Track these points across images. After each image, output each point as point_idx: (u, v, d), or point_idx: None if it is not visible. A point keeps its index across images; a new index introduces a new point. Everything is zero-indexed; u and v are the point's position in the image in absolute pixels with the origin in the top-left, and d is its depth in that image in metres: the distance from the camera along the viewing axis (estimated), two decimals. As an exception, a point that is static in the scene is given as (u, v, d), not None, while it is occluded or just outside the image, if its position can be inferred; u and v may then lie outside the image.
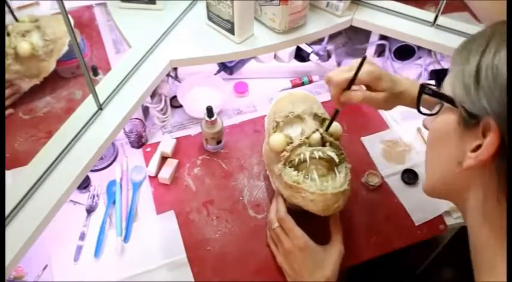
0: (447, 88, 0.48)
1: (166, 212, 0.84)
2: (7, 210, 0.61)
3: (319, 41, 1.09)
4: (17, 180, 0.66)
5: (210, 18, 0.87)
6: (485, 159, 0.41)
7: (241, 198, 0.87)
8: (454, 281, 1.24)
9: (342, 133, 0.77)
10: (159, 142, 0.93)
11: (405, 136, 0.97)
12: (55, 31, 0.92)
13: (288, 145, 0.73)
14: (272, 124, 0.79)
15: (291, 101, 0.81)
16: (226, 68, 1.00)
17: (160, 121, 0.96)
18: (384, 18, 0.93)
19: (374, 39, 1.07)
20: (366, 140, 0.96)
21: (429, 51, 1.11)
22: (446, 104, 0.48)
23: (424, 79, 1.08)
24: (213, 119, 0.86)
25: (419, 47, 1.08)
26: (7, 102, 0.94)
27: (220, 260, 0.78)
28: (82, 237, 0.80)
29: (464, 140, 0.44)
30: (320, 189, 0.69)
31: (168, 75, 1.01)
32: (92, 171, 0.88)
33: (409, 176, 0.90)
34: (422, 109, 0.55)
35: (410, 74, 1.10)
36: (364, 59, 0.64)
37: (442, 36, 0.89)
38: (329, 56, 1.11)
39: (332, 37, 1.13)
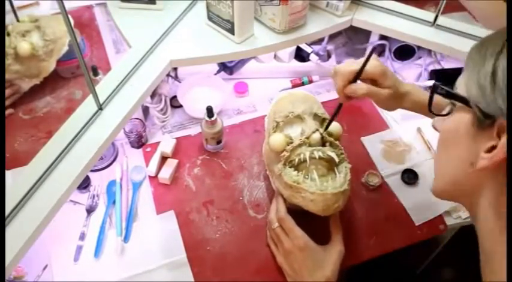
0: (461, 88, 0.48)
1: (166, 212, 0.84)
2: (7, 210, 0.61)
3: (319, 41, 1.09)
4: (17, 180, 0.66)
5: (210, 18, 0.87)
6: (500, 160, 0.41)
7: (241, 198, 0.87)
8: (454, 281, 1.24)
9: (342, 133, 0.77)
10: (159, 142, 0.93)
11: (405, 136, 0.97)
12: (55, 31, 0.92)
13: (288, 145, 0.73)
14: (272, 124, 0.79)
15: (291, 101, 0.81)
16: (226, 68, 1.00)
17: (160, 121, 0.96)
18: (384, 18, 0.93)
19: (374, 39, 1.07)
20: (366, 140, 0.96)
21: (429, 51, 1.11)
22: (459, 104, 0.48)
23: (424, 79, 1.08)
24: (213, 119, 0.86)
25: (419, 47, 1.08)
26: (7, 102, 0.94)
27: (220, 260, 0.78)
28: (82, 237, 0.80)
29: (478, 141, 0.44)
30: (320, 189, 0.69)
31: (168, 75, 1.01)
32: (92, 171, 0.88)
33: (409, 176, 0.90)
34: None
35: (411, 74, 1.10)
36: (373, 50, 0.64)
37: (442, 36, 0.89)
38: (329, 56, 1.11)
39: (332, 37, 1.13)
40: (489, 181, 0.45)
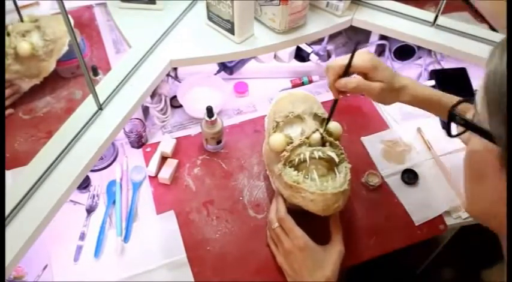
0: (482, 112, 0.41)
1: (166, 212, 0.84)
2: (7, 210, 0.62)
3: (319, 41, 1.09)
4: (17, 180, 0.66)
5: (210, 18, 0.87)
6: None
7: (241, 198, 0.87)
8: (454, 281, 1.24)
9: (342, 133, 0.77)
10: (159, 142, 0.93)
11: (405, 136, 0.97)
12: (55, 31, 0.92)
13: (288, 145, 0.73)
14: (272, 124, 0.79)
15: (291, 101, 0.81)
16: (226, 68, 1.00)
17: (160, 121, 0.96)
18: (384, 18, 0.93)
19: (374, 39, 1.07)
20: (366, 140, 0.96)
21: (429, 51, 1.11)
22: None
23: (424, 79, 1.08)
24: (213, 119, 0.86)
25: (419, 47, 1.08)
26: (7, 102, 0.94)
27: (220, 260, 0.78)
28: (82, 237, 0.80)
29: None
30: (320, 189, 0.69)
31: (168, 75, 1.01)
32: (92, 171, 0.88)
33: (409, 176, 0.90)
34: (453, 127, 0.48)
35: (410, 74, 1.10)
36: (357, 44, 0.64)
37: (442, 36, 0.89)
38: (329, 56, 1.11)
39: (332, 37, 1.13)
40: None
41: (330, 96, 1.05)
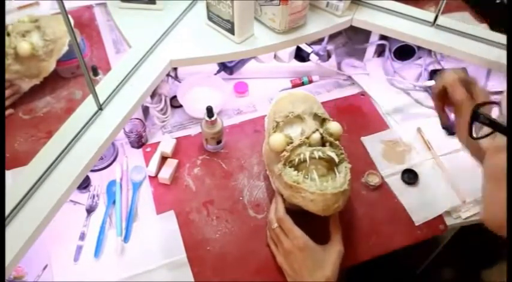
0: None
1: (166, 212, 0.84)
2: (7, 210, 0.62)
3: (319, 41, 1.09)
4: (17, 180, 0.66)
5: (210, 18, 0.87)
6: None
7: (241, 198, 0.87)
8: (454, 281, 1.24)
9: (342, 133, 0.77)
10: (159, 142, 0.93)
11: (405, 136, 0.97)
12: (55, 31, 0.92)
13: (288, 145, 0.73)
14: (272, 124, 0.79)
15: (291, 101, 0.81)
16: (226, 68, 1.00)
17: (160, 121, 0.96)
18: (384, 18, 0.93)
19: (374, 39, 1.07)
20: (366, 140, 0.96)
21: (429, 51, 1.11)
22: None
23: (424, 79, 1.07)
24: (213, 119, 0.86)
25: (419, 47, 1.08)
26: (7, 102, 0.94)
27: (220, 260, 0.78)
28: (82, 237, 0.80)
29: None
30: (320, 189, 0.69)
31: (168, 75, 1.01)
32: (92, 171, 0.88)
33: (409, 176, 0.90)
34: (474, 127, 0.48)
35: (411, 74, 1.10)
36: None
37: (442, 36, 0.89)
38: (329, 56, 1.11)
39: (332, 37, 1.13)
40: None
41: (330, 96, 1.05)
